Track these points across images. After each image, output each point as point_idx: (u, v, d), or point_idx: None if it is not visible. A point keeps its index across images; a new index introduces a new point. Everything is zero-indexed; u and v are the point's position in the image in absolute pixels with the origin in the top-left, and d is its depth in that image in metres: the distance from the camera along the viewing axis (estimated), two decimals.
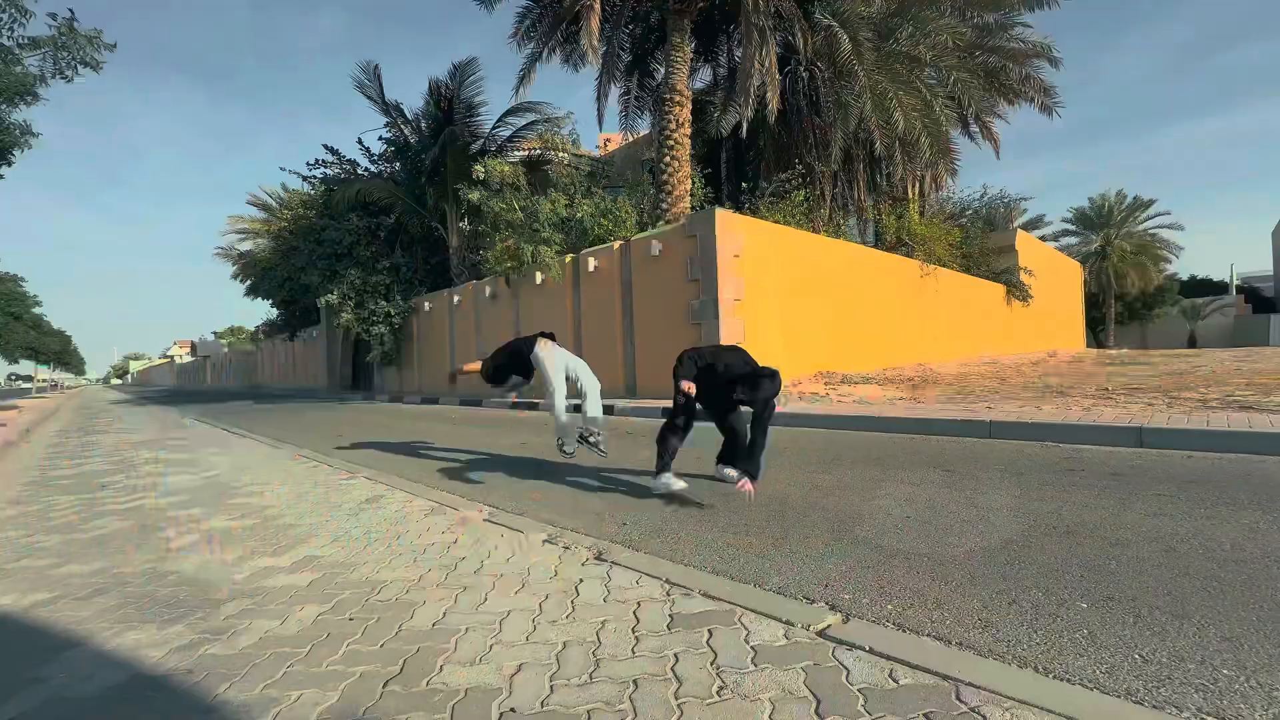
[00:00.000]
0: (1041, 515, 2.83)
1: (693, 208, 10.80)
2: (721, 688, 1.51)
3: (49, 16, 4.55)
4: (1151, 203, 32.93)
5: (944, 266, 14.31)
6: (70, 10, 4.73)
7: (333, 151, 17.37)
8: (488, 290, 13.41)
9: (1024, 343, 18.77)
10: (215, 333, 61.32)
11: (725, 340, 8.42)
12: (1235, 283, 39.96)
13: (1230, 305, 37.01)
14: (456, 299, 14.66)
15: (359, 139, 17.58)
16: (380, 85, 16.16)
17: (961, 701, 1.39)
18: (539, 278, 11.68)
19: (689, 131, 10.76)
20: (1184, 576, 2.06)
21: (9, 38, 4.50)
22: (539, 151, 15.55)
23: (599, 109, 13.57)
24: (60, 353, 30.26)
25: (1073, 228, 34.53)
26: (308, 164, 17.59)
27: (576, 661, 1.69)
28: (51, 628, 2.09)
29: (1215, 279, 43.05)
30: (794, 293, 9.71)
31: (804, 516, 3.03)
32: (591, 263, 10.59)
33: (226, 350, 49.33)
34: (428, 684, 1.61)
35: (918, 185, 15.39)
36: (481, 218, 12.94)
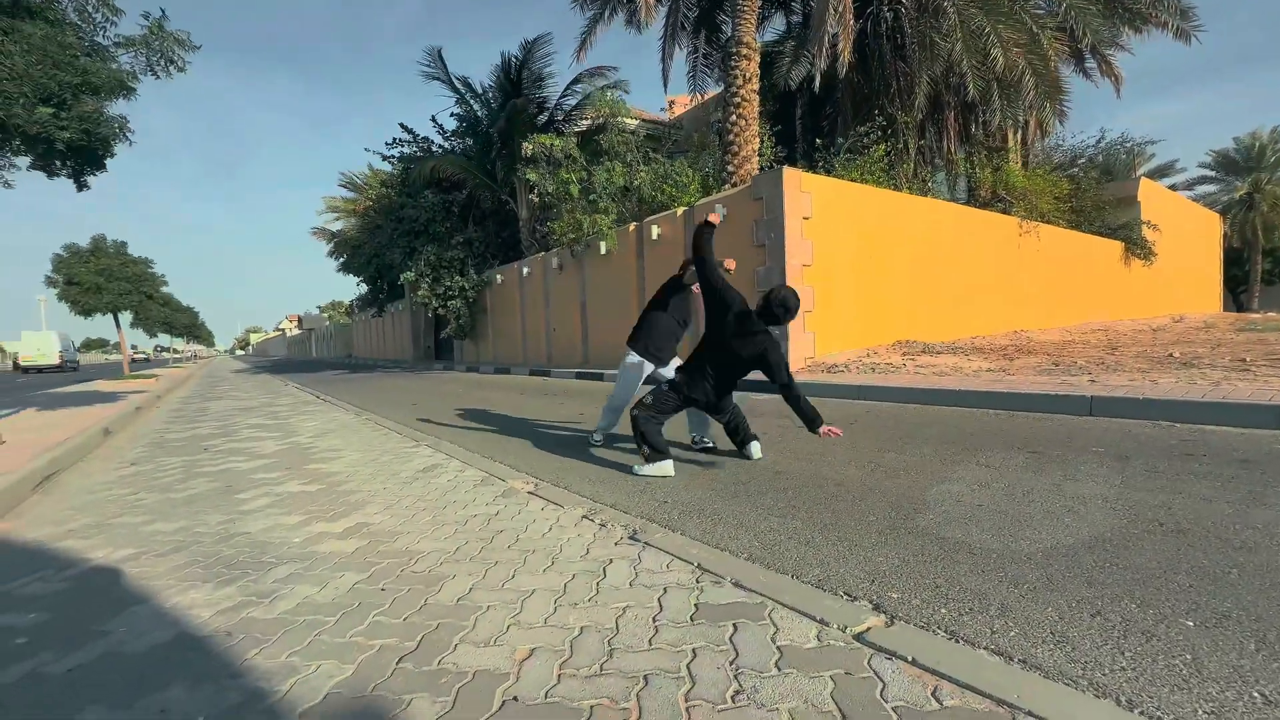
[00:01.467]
0: (1146, 509, 2.44)
1: (761, 168, 10.25)
2: (738, 692, 1.38)
3: (142, 16, 4.87)
4: None
5: (1048, 222, 12.87)
6: (161, 10, 5.04)
7: (408, 131, 17.96)
8: (555, 261, 13.53)
9: (1145, 307, 16.71)
10: (319, 307, 66.55)
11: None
12: None
13: None
14: (526, 271, 14.92)
15: (433, 117, 18.07)
16: (445, 66, 16.41)
17: None
18: (603, 248, 11.60)
19: (756, 87, 10.13)
20: None
21: (104, 37, 4.86)
22: (602, 120, 15.32)
23: (664, 69, 13.09)
24: (190, 326, 33.92)
25: (1212, 174, 30.05)
26: (386, 144, 18.34)
27: (590, 650, 1.61)
28: (127, 583, 2.27)
29: None
30: (870, 256, 9.05)
31: (860, 500, 2.79)
32: (655, 230, 10.36)
33: (328, 324, 53.53)
34: (439, 663, 1.59)
35: (1019, 132, 13.84)
36: (546, 191, 12.99)
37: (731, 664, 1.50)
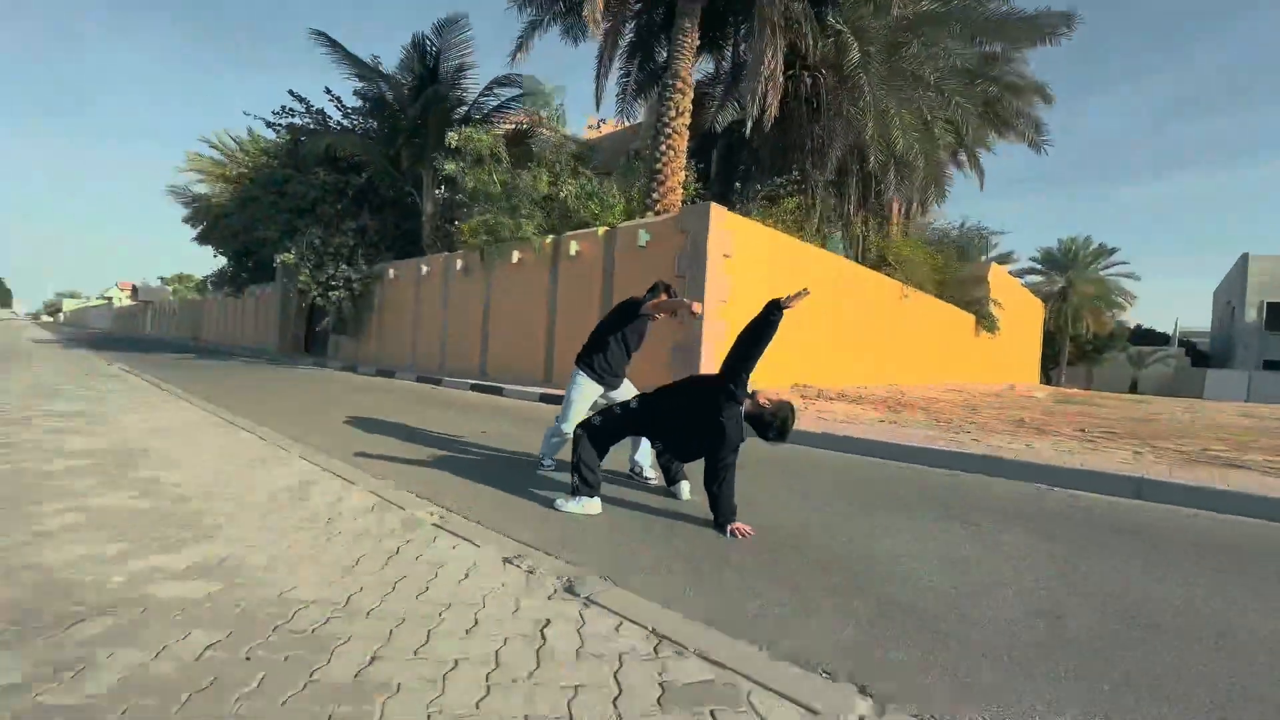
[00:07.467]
0: (1076, 580, 2.55)
1: (684, 201, 10.41)
2: None
3: None
4: (1114, 250, 34.36)
5: (922, 290, 14.34)
6: None
7: (300, 99, 16.19)
8: (459, 264, 12.72)
9: (985, 373, 19.13)
10: (161, 278, 57.71)
11: (706, 344, 8.08)
12: (1177, 336, 42.16)
13: (1171, 356, 38.94)
14: (425, 269, 13.89)
15: (327, 89, 16.27)
16: (338, 45, 15.00)
17: None
18: (515, 256, 11.09)
19: (688, 121, 10.33)
20: (1272, 684, 1.78)
21: None
22: (525, 125, 14.86)
23: (597, 89, 13.00)
24: None
25: (1039, 267, 35.67)
26: (273, 112, 16.37)
27: None
28: None
29: (1159, 330, 45.35)
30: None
31: (804, 557, 2.68)
32: (573, 246, 10.08)
33: (172, 298, 46.50)
34: None
35: (904, 207, 15.39)
36: (458, 188, 12.26)
37: None
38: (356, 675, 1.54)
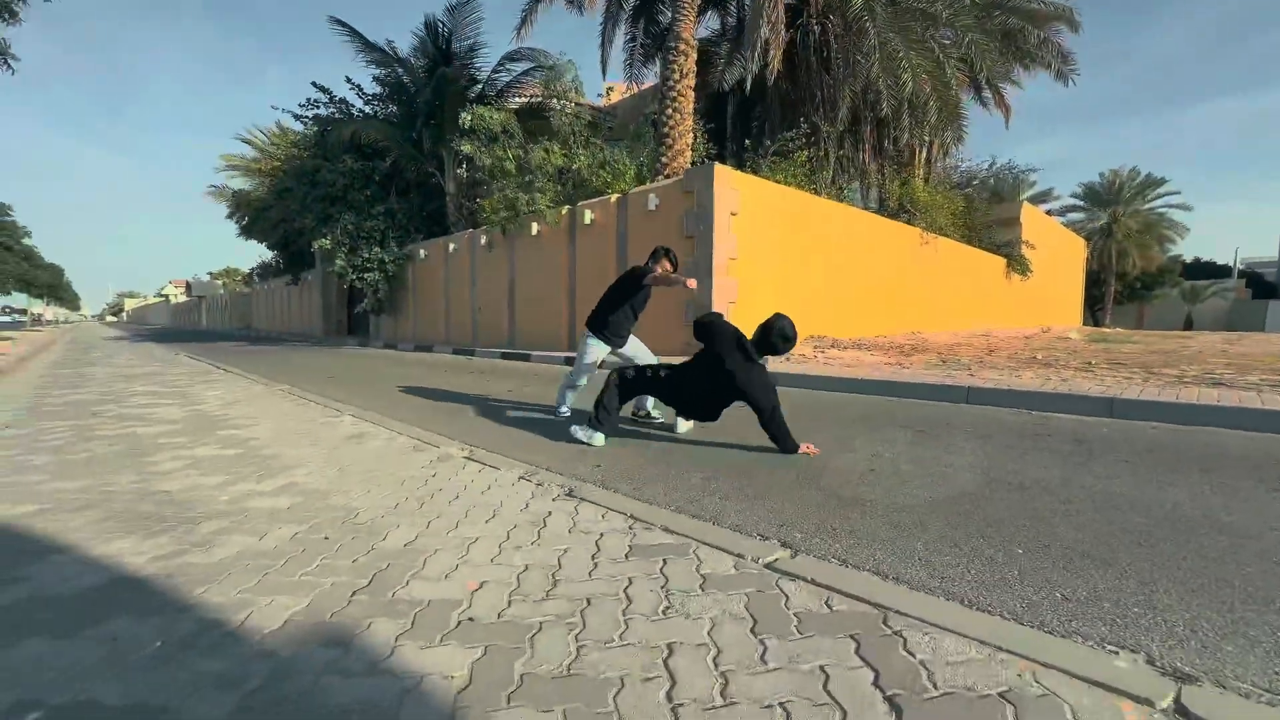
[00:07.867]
0: (1000, 474, 2.93)
1: (693, 163, 10.60)
2: (668, 608, 1.61)
3: None
4: (1163, 181, 32.42)
5: (945, 236, 14.18)
6: None
7: (324, 90, 16.78)
8: (483, 239, 13.26)
9: (1021, 317, 18.79)
10: (210, 273, 60.76)
11: (717, 301, 8.42)
12: (1238, 267, 39.79)
13: (1230, 289, 36.90)
14: (452, 247, 14.50)
15: (348, 78, 16.77)
16: (356, 32, 15.53)
17: (887, 626, 1.49)
18: (534, 229, 11.53)
19: (692, 83, 10.44)
20: (1121, 531, 2.16)
21: None
22: (539, 99, 15.08)
23: (602, 55, 13.11)
24: (53, 286, 29.85)
25: (1081, 203, 34.04)
26: (300, 104, 17.06)
27: (536, 581, 1.79)
28: (37, 535, 2.18)
29: (1220, 263, 42.81)
30: (790, 254, 9.65)
31: (772, 468, 3.13)
32: (588, 215, 10.45)
33: (223, 291, 48.98)
34: (393, 595, 1.71)
35: (924, 151, 15.08)
36: (476, 166, 12.69)
37: (662, 588, 1.73)
38: (405, 545, 2.08)
